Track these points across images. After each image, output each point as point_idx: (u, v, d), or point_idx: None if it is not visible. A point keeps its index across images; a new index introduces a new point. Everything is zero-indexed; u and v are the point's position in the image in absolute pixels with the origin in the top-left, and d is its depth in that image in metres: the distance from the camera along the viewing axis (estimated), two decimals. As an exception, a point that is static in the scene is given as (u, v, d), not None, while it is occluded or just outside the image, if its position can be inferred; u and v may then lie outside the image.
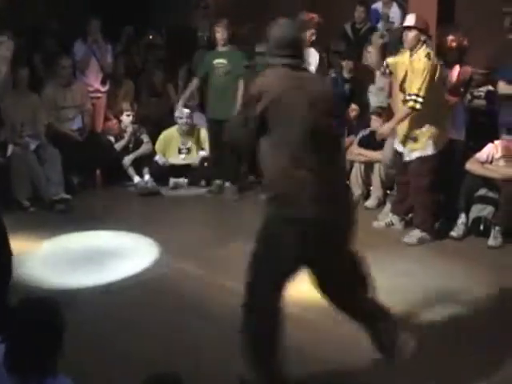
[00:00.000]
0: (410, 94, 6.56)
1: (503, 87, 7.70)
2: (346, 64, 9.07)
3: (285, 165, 3.80)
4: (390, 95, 8.14)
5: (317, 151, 3.82)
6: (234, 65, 8.45)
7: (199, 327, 5.08)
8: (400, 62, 6.86)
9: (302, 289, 5.58)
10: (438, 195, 7.21)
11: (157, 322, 5.15)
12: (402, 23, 7.42)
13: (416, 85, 6.52)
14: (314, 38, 8.11)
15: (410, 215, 7.23)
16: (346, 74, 9.09)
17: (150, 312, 5.31)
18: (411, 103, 6.55)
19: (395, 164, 7.30)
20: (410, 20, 6.71)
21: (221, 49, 8.60)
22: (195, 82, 8.83)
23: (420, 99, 6.52)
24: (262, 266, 3.96)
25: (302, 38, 4.51)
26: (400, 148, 6.97)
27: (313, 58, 8.04)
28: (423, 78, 6.52)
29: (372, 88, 8.57)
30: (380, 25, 9.85)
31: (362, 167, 8.10)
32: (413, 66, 6.62)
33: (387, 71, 7.13)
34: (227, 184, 8.57)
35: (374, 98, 8.50)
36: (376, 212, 7.64)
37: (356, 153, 8.14)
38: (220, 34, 8.54)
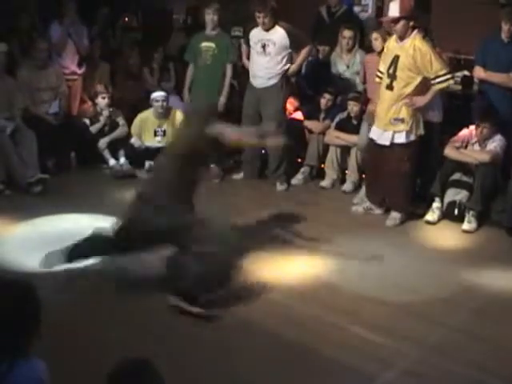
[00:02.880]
0: (438, 76, 6.61)
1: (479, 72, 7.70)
2: (323, 49, 9.06)
3: None
4: (364, 80, 8.18)
5: None
6: (222, 49, 8.40)
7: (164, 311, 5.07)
8: (389, 48, 6.89)
9: (275, 272, 5.71)
10: (415, 179, 7.27)
11: (127, 307, 5.10)
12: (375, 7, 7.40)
13: (435, 67, 6.59)
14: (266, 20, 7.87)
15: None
16: (322, 58, 9.09)
17: (120, 296, 5.29)
18: (445, 84, 6.69)
19: (369, 150, 7.28)
20: (394, 10, 6.66)
21: (209, 32, 8.52)
22: (190, 69, 8.76)
23: (448, 75, 6.67)
24: None
25: None
26: (378, 133, 6.96)
27: (277, 35, 7.89)
28: (434, 57, 6.60)
29: (346, 72, 8.59)
30: (355, 8, 9.84)
31: (339, 151, 8.11)
32: (408, 52, 6.62)
33: None
34: (211, 165, 8.54)
35: (348, 83, 8.54)
36: (352, 196, 7.64)
37: (333, 136, 8.14)
38: (210, 16, 8.45)
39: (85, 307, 5.10)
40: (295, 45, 7.92)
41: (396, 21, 6.63)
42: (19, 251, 6.16)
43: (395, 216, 7.02)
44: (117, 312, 5.03)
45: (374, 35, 7.77)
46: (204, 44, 8.48)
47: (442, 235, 6.84)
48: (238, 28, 9.90)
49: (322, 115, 8.49)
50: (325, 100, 8.43)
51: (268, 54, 7.90)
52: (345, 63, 8.61)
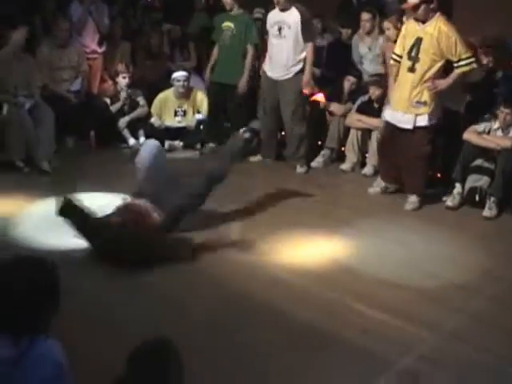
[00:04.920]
0: (462, 59, 6.58)
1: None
2: (346, 32, 9.00)
3: None
4: (384, 62, 8.12)
5: None
6: (240, 29, 8.37)
7: (192, 288, 5.09)
8: (408, 30, 6.82)
9: (294, 255, 5.70)
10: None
11: (148, 286, 5.13)
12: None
13: (459, 50, 6.56)
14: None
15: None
16: (344, 40, 9.02)
17: (141, 275, 5.28)
18: (468, 67, 6.66)
19: (385, 132, 7.23)
20: None
21: (230, 12, 8.49)
22: (216, 48, 8.74)
23: (472, 59, 6.66)
24: None
25: None
26: (397, 116, 6.90)
27: (292, 18, 7.83)
28: (459, 40, 6.56)
29: (368, 55, 8.51)
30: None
31: (359, 134, 8.06)
32: (433, 34, 6.57)
33: None
34: None
35: (371, 66, 8.45)
36: (373, 179, 7.59)
37: (354, 119, 8.09)
38: None
39: (102, 286, 5.11)
40: (303, 34, 7.83)
41: (417, 7, 6.58)
42: (37, 229, 6.17)
43: (413, 200, 6.99)
44: (137, 288, 5.06)
45: (386, 24, 7.76)
46: (225, 24, 8.47)
47: (462, 221, 6.77)
48: (260, 9, 9.81)
49: (344, 98, 8.43)
50: (349, 83, 8.37)
51: (283, 36, 7.83)
52: (366, 46, 8.53)
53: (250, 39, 8.44)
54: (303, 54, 7.85)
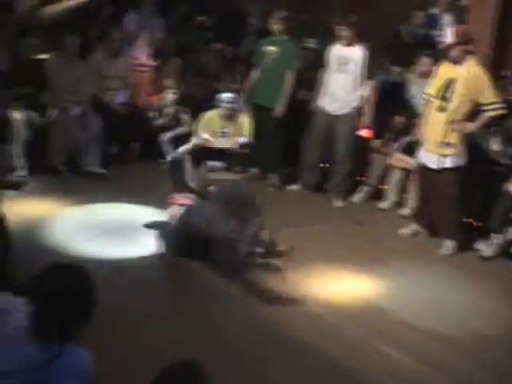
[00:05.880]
0: (491, 103, 6.58)
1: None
2: (396, 70, 8.97)
3: None
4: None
5: None
6: (284, 54, 8.35)
7: (219, 316, 5.08)
8: (442, 71, 6.84)
9: (326, 289, 5.66)
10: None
11: (178, 306, 5.15)
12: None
13: (489, 94, 6.56)
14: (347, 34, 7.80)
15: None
16: (393, 78, 8.98)
17: (173, 295, 5.33)
18: (496, 112, 6.63)
19: (418, 173, 7.20)
20: (450, 36, 6.66)
21: (275, 37, 8.49)
22: (254, 72, 8.72)
23: (500, 104, 6.64)
24: None
25: None
26: (426, 156, 6.88)
27: (357, 55, 7.86)
28: (489, 84, 6.57)
29: (418, 95, 8.44)
30: (434, 32, 9.70)
31: (401, 174, 7.99)
32: (464, 76, 6.58)
33: None
34: (270, 174, 8.55)
35: (419, 106, 8.39)
36: (409, 221, 7.51)
37: (397, 158, 8.03)
38: (275, 25, 8.42)
39: (136, 297, 5.12)
40: (363, 71, 7.86)
41: (451, 46, 6.61)
42: (71, 234, 6.21)
43: (448, 245, 6.91)
44: (169, 303, 5.13)
45: (424, 59, 7.84)
46: (268, 48, 8.45)
47: (495, 271, 6.66)
48: (313, 40, 9.82)
49: (389, 136, 8.37)
50: (397, 122, 8.32)
51: (345, 72, 7.86)
52: (418, 87, 8.47)
53: (291, 64, 8.39)
54: (361, 91, 7.86)
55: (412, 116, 8.26)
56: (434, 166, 6.79)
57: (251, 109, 8.77)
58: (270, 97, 8.41)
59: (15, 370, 2.69)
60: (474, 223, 7.37)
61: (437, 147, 6.75)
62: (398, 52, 9.40)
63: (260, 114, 8.53)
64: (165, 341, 4.55)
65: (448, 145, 6.70)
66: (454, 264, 6.68)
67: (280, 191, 8.35)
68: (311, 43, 9.82)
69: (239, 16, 11.43)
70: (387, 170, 8.19)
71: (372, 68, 8.01)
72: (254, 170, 8.73)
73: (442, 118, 6.71)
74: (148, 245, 6.17)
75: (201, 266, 5.82)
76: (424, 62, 8.26)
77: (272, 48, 8.42)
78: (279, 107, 8.36)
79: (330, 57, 8.00)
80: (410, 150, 7.94)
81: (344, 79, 7.90)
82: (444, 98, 6.70)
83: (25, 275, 4.19)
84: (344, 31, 7.75)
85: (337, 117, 7.98)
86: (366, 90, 7.89)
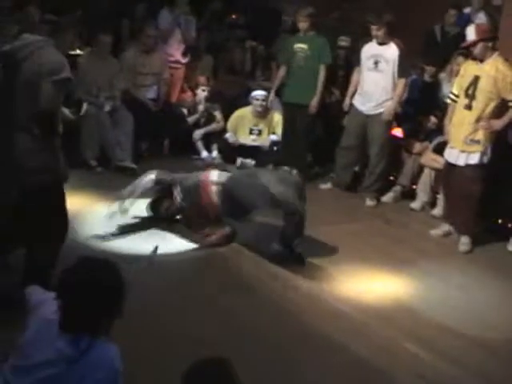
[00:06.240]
0: None
1: None
2: (430, 69, 8.90)
3: None
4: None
5: None
6: (314, 50, 8.31)
7: (248, 311, 5.08)
8: (466, 69, 6.81)
9: (356, 288, 5.64)
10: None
11: (209, 300, 5.16)
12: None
13: None
14: (380, 33, 7.74)
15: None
16: (427, 78, 8.91)
17: (205, 289, 5.33)
18: None
19: (445, 171, 7.15)
20: (472, 34, 6.61)
21: (302, 34, 8.45)
22: (282, 70, 8.69)
23: None
24: None
25: None
26: (453, 153, 6.85)
27: (390, 53, 7.80)
28: None
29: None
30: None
31: (433, 174, 7.94)
32: (490, 73, 6.53)
33: None
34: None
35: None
36: (441, 221, 7.45)
37: (430, 158, 7.97)
38: (302, 22, 8.38)
39: (159, 294, 5.13)
40: (398, 70, 7.81)
41: (474, 44, 6.57)
42: (102, 229, 6.24)
43: (465, 241, 6.87)
44: (199, 300, 5.12)
45: (459, 59, 7.76)
46: (297, 45, 8.40)
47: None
48: (346, 38, 9.80)
49: (422, 136, 8.33)
50: (430, 123, 8.27)
51: (380, 70, 7.82)
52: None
53: (323, 59, 8.34)
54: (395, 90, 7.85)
55: (445, 116, 8.22)
56: (460, 163, 6.75)
57: (286, 108, 8.71)
58: (301, 94, 8.37)
59: (46, 364, 2.72)
60: (510, 224, 7.31)
61: (463, 144, 6.71)
62: (431, 51, 9.35)
63: (291, 111, 8.49)
64: (193, 333, 4.57)
65: (474, 142, 6.66)
66: (486, 265, 6.58)
67: (308, 190, 8.32)
68: (344, 41, 9.80)
69: (274, 14, 11.45)
70: (420, 169, 8.15)
71: (406, 67, 7.95)
72: (285, 168, 8.69)
73: (468, 116, 6.68)
74: (180, 240, 6.23)
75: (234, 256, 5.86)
76: (458, 60, 8.21)
77: (301, 45, 8.37)
78: (314, 103, 8.33)
79: (364, 55, 7.97)
80: (442, 149, 7.89)
81: (378, 78, 7.86)
82: (470, 96, 6.66)
83: (57, 269, 4.29)
84: (378, 30, 7.71)
85: (371, 116, 7.95)
86: (398, 88, 7.84)
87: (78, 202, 6.67)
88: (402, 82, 7.86)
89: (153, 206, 6.63)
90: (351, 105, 8.15)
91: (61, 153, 4.63)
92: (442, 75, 8.60)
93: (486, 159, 6.71)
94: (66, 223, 4.77)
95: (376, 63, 7.83)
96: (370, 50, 7.92)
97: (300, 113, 8.41)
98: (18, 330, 2.90)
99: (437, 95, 8.55)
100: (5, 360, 2.85)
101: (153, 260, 5.58)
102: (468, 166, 6.71)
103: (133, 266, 5.20)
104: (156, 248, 5.60)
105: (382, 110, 7.87)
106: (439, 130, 8.13)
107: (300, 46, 8.38)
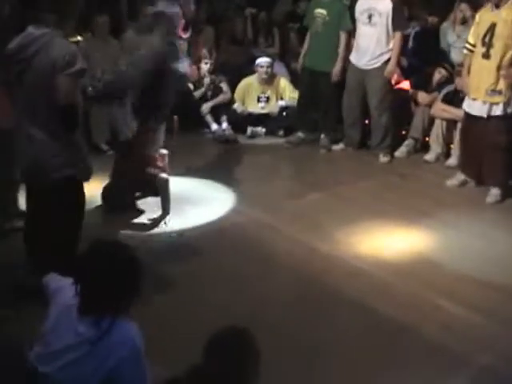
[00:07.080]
0: None
1: None
2: (432, 19, 8.83)
3: None
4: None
5: None
6: (333, 16, 8.13)
7: (269, 277, 5.10)
8: (482, 17, 6.69)
9: (374, 245, 5.63)
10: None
11: (229, 269, 5.19)
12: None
13: None
14: None
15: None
16: (431, 29, 8.84)
17: (224, 260, 5.35)
18: None
19: (465, 122, 7.08)
20: None
21: None
22: (309, 35, 8.52)
23: None
24: None
25: None
26: (473, 104, 6.76)
27: (383, 6, 7.72)
28: None
29: (457, 43, 8.33)
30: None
31: (444, 124, 7.90)
32: (506, 19, 6.42)
33: None
34: (322, 135, 8.48)
35: (459, 55, 8.26)
36: (456, 171, 7.41)
37: (440, 109, 7.92)
38: None
39: (187, 267, 5.18)
40: (393, 23, 7.70)
41: None
42: (117, 213, 6.28)
43: (495, 193, 6.81)
44: (221, 270, 5.16)
45: (462, 6, 7.63)
46: (317, 10, 8.25)
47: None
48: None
49: (431, 87, 8.26)
50: (439, 75, 8.18)
51: (373, 24, 7.73)
52: (456, 34, 8.35)
53: (343, 26, 8.14)
54: (392, 43, 7.74)
55: (451, 66, 8.16)
56: (483, 115, 6.67)
57: (304, 73, 8.57)
58: (322, 61, 8.23)
59: (66, 349, 2.76)
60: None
61: (485, 95, 6.61)
62: (435, 2, 9.25)
63: (312, 78, 8.36)
64: (216, 303, 4.61)
65: (496, 92, 6.57)
66: (505, 211, 6.58)
67: (324, 152, 8.32)
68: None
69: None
70: (431, 121, 8.10)
71: (402, 19, 7.86)
72: (299, 134, 8.65)
73: (487, 65, 6.57)
74: (198, 214, 6.27)
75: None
76: (462, 8, 8.14)
77: (320, 11, 8.22)
78: (335, 71, 8.21)
79: (357, 10, 7.89)
80: (452, 99, 7.85)
81: (372, 32, 7.78)
82: (487, 45, 6.55)
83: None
84: None
85: (367, 71, 7.89)
86: (395, 43, 7.75)
87: (90, 186, 6.69)
88: (398, 35, 7.76)
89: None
90: (349, 62, 8.09)
91: (83, 150, 4.57)
92: (445, 24, 8.51)
93: (510, 110, 6.62)
94: (80, 222, 4.70)
95: (370, 17, 7.74)
96: (363, 4, 7.84)
97: (321, 79, 8.30)
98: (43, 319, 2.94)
99: (438, 44, 8.49)
100: (31, 349, 2.89)
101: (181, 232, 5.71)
102: (491, 117, 6.64)
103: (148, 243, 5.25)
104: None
105: (378, 64, 7.81)
106: (447, 80, 8.10)
107: (320, 12, 8.20)
